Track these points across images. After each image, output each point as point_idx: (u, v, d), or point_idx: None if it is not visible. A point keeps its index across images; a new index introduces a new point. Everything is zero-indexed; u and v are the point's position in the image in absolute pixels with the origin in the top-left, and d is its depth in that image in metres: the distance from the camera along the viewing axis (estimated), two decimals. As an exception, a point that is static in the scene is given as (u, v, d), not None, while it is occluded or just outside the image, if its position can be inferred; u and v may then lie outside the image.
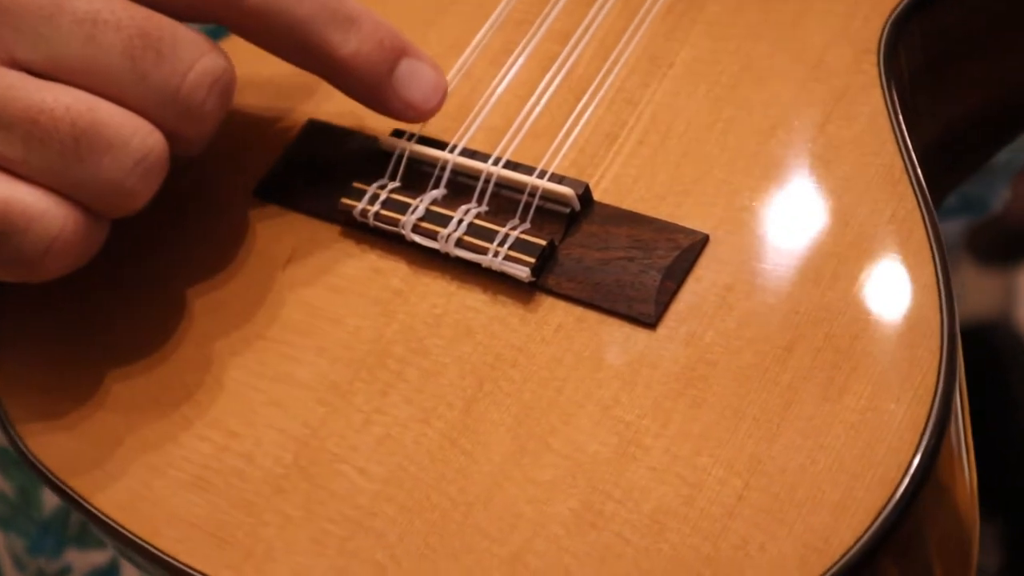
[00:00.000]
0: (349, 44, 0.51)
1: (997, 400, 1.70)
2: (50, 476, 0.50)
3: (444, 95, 0.53)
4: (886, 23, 0.53)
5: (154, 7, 0.48)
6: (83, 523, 0.71)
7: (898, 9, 0.53)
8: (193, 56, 0.48)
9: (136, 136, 0.47)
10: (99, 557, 0.72)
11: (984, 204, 0.87)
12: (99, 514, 0.49)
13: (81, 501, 0.49)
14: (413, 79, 0.52)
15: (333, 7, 0.51)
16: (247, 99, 0.57)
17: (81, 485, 0.50)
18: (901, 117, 0.51)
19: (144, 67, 0.47)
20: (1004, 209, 0.92)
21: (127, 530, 0.48)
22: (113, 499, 0.49)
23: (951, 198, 0.86)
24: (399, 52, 0.52)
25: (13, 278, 0.49)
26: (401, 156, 0.53)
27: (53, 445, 0.51)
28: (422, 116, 0.53)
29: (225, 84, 0.49)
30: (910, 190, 0.49)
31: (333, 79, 0.52)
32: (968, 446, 0.49)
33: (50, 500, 0.71)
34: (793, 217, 0.49)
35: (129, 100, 0.48)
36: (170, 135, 0.48)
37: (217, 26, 0.51)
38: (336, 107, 0.57)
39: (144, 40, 0.47)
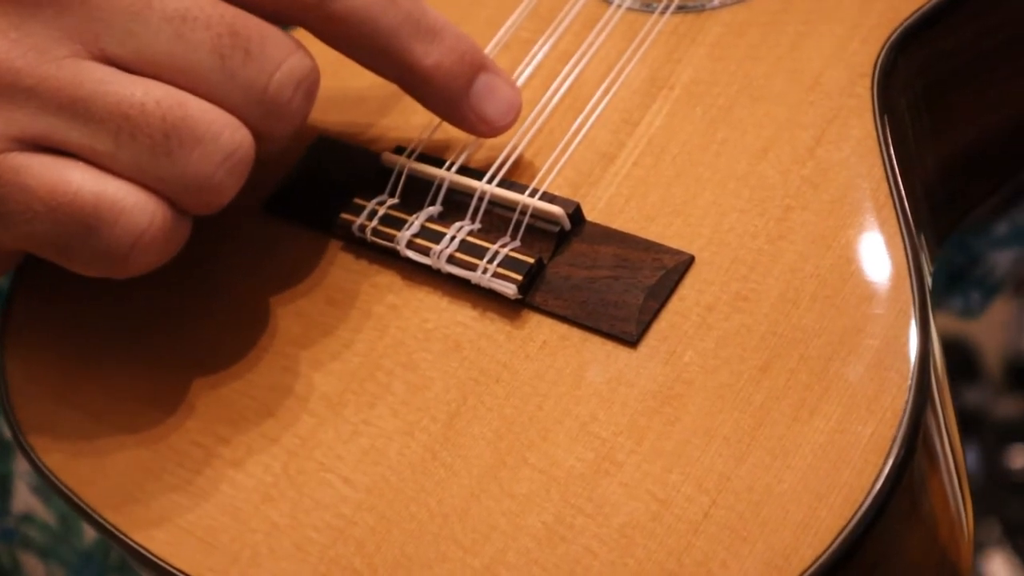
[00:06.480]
0: (431, 56, 0.52)
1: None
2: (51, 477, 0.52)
3: (519, 112, 0.54)
4: (883, 47, 0.53)
5: (241, 7, 0.49)
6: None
7: (896, 34, 0.54)
8: (280, 56, 0.49)
9: (225, 132, 0.48)
10: None
11: None
12: (88, 508, 0.51)
13: (75, 499, 0.51)
14: (490, 94, 0.53)
15: (417, 18, 0.52)
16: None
17: (77, 486, 0.51)
18: (891, 141, 0.51)
19: (232, 65, 0.48)
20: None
21: (118, 529, 0.50)
22: (105, 499, 0.51)
23: (1002, 227, 0.85)
24: (478, 67, 0.53)
25: (99, 273, 0.49)
26: (400, 173, 0.55)
27: (57, 451, 0.53)
28: (496, 132, 0.54)
29: (310, 84, 0.50)
30: (893, 215, 0.49)
31: (411, 89, 0.53)
32: (960, 476, 0.49)
33: (92, 529, 0.72)
34: (777, 239, 0.50)
35: (217, 97, 0.48)
36: (254, 132, 0.49)
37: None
38: (346, 123, 0.58)
39: (233, 39, 0.48)
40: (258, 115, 0.49)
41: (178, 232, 0.49)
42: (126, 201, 0.47)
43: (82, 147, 0.48)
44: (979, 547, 1.62)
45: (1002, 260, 0.87)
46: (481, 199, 0.53)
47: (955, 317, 0.90)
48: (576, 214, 0.52)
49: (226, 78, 0.48)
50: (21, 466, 0.71)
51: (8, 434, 0.54)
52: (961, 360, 1.70)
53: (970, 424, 1.67)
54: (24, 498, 0.72)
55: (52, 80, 0.47)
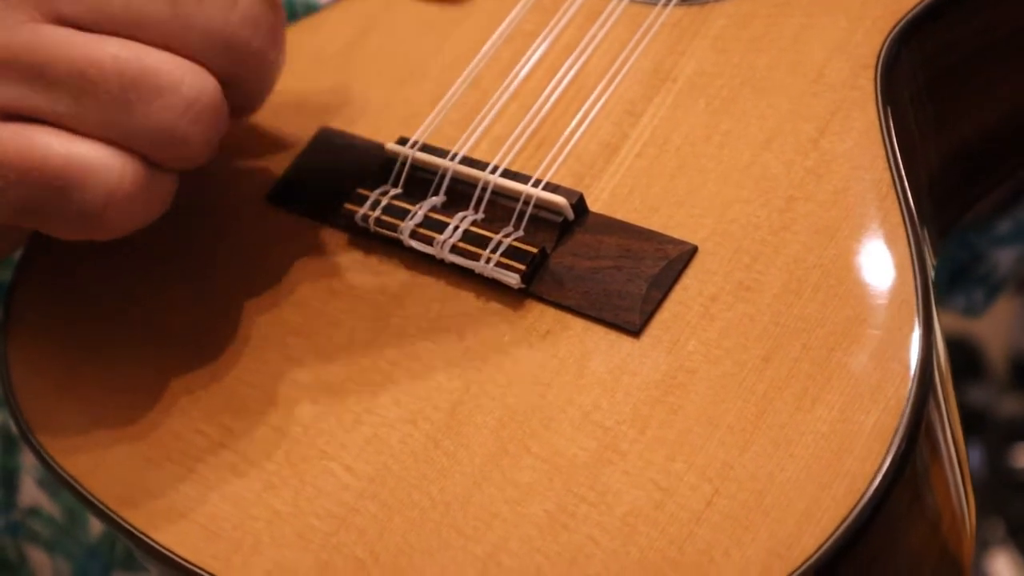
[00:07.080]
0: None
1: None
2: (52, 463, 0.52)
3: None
4: (886, 39, 0.53)
5: None
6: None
7: (899, 26, 0.54)
8: None
9: (185, 79, 0.48)
10: None
11: None
12: (95, 501, 0.51)
13: (80, 489, 0.51)
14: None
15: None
16: (264, 107, 0.59)
17: (82, 477, 0.51)
18: (894, 133, 0.51)
19: (187, 10, 0.48)
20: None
21: (122, 519, 0.50)
22: (109, 489, 0.51)
23: (1005, 225, 0.85)
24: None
25: (80, 235, 0.49)
26: (404, 163, 0.55)
27: (62, 443, 0.53)
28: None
29: (271, 24, 0.49)
30: (896, 206, 0.49)
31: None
32: (962, 469, 0.49)
33: (97, 523, 0.71)
34: (780, 230, 0.50)
35: (176, 46, 0.48)
36: (222, 79, 0.49)
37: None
38: (349, 115, 0.58)
39: None
40: (221, 59, 0.48)
41: (155, 188, 0.49)
42: (93, 161, 0.47)
43: (47, 112, 0.48)
44: (983, 546, 1.62)
45: (1005, 258, 0.87)
46: (484, 189, 0.53)
47: (958, 316, 0.90)
48: (579, 204, 0.52)
49: (182, 24, 0.48)
50: (27, 460, 0.71)
51: (14, 429, 0.54)
52: (965, 359, 1.70)
53: (974, 423, 1.67)
54: (30, 492, 0.72)
55: (9, 48, 0.47)
